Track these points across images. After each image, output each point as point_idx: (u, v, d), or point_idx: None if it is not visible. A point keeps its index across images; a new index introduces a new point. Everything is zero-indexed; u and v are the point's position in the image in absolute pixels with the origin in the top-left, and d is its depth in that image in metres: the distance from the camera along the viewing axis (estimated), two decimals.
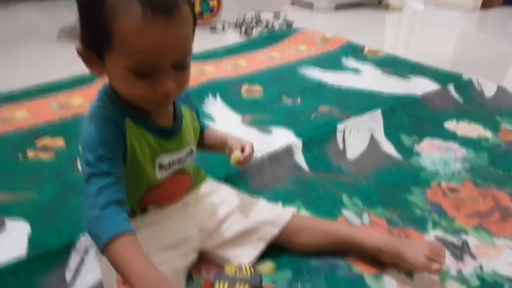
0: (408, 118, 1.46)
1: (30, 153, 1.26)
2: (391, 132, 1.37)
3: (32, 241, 0.88)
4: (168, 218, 0.82)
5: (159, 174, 0.77)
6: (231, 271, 0.70)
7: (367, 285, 0.80)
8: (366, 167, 1.20)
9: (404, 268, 0.82)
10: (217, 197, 0.90)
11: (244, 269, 0.70)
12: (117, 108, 0.69)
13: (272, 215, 0.87)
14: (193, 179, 0.87)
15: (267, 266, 0.85)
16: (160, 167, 0.77)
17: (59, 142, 1.32)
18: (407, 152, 1.27)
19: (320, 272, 0.83)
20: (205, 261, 0.86)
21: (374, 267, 0.84)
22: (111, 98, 0.70)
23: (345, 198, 1.06)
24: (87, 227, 0.64)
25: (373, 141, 1.32)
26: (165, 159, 0.77)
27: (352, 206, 1.03)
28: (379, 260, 0.84)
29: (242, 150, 0.85)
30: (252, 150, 0.86)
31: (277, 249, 0.87)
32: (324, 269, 0.84)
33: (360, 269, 0.84)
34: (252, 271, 0.70)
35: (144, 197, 0.78)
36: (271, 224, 0.86)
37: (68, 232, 0.90)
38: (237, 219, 0.87)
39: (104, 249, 0.61)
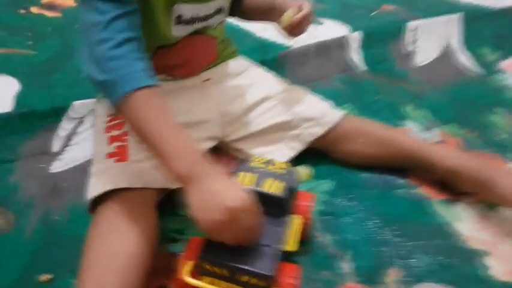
0: (492, 30, 1.17)
1: (34, 9, 1.06)
2: (470, 43, 1.09)
3: (19, 99, 0.71)
4: (181, 91, 0.62)
5: (176, 30, 0.56)
6: (259, 164, 0.51)
7: (435, 210, 0.62)
8: (437, 77, 0.96)
9: (485, 199, 0.62)
10: (248, 78, 0.69)
11: (276, 164, 0.52)
12: None
13: (317, 111, 0.67)
14: (218, 49, 0.66)
15: (301, 171, 0.67)
16: (178, 19, 0.55)
17: (69, 1, 1.11)
18: (489, 68, 1.01)
19: (372, 187, 0.65)
20: (224, 154, 0.68)
21: (443, 192, 0.64)
22: None
23: (409, 109, 0.84)
24: (93, 70, 0.44)
25: (447, 50, 1.06)
26: (186, 10, 0.55)
27: (418, 118, 0.81)
28: (452, 186, 0.64)
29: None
30: (310, 13, 0.62)
31: (317, 155, 0.68)
32: (377, 184, 0.65)
33: (426, 191, 0.65)
34: (288, 168, 0.52)
35: (153, 60, 0.57)
36: (316, 121, 0.66)
37: (61, 95, 0.73)
38: (271, 109, 0.66)
39: (121, 100, 0.44)
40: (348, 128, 0.66)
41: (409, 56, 1.00)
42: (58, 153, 0.66)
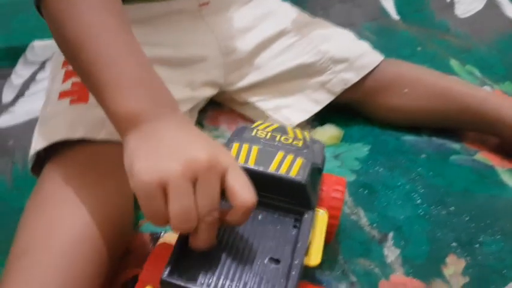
0: None
1: None
2: None
3: None
4: (169, 17, 0.46)
5: None
6: (265, 131, 0.34)
7: (503, 181, 0.47)
8: (483, 30, 0.80)
9: None
10: (260, 7, 0.52)
11: (290, 133, 0.35)
12: None
13: (352, 50, 0.51)
14: None
15: (327, 133, 0.52)
16: None
17: None
18: None
19: (419, 152, 0.49)
20: (226, 110, 0.53)
21: (508, 159, 0.49)
22: None
23: (454, 63, 0.68)
24: None
25: (491, 2, 0.90)
26: None
27: (466, 74, 0.66)
28: None
29: None
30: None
31: (346, 111, 0.53)
32: (425, 149, 0.50)
33: (488, 157, 0.50)
34: (307, 138, 0.34)
35: None
36: (348, 64, 0.50)
37: (19, 36, 0.58)
38: (290, 47, 0.50)
39: None
40: (391, 75, 0.51)
41: (449, 7, 0.84)
42: (9, 105, 0.51)
